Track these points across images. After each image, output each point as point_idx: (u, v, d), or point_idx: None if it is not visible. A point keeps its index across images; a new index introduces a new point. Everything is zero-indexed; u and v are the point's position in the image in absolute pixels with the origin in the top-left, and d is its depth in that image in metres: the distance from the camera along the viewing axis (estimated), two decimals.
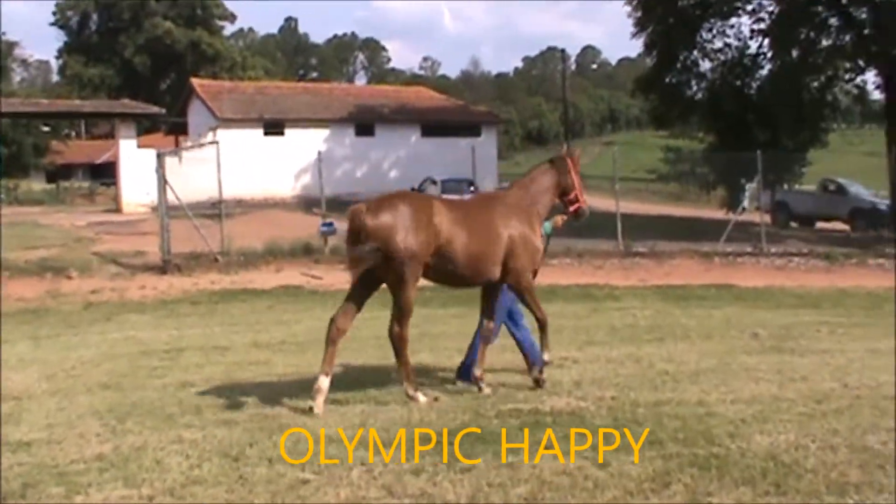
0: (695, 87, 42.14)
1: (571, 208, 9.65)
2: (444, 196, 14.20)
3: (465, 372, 9.73)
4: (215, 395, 9.30)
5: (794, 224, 40.52)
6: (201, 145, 31.39)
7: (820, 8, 36.93)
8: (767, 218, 34.19)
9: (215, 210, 26.03)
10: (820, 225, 40.73)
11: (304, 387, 9.50)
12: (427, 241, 8.37)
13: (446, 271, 8.73)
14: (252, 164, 44.08)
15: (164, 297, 20.62)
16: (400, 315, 8.52)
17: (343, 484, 6.25)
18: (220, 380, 10.32)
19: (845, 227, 39.36)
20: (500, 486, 6.12)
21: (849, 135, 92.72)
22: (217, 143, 26.67)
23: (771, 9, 39.05)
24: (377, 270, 8.42)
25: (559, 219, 10.01)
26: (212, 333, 14.98)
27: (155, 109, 47.20)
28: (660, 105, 43.43)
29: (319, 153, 28.82)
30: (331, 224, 25.50)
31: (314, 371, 10.49)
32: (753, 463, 6.48)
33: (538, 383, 9.26)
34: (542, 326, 9.22)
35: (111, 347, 13.55)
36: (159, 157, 24.92)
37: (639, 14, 40.27)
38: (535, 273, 9.37)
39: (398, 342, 8.59)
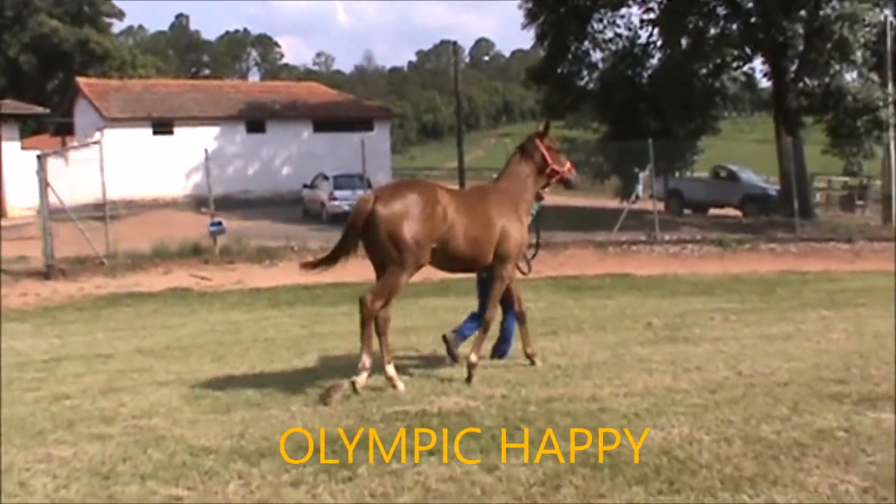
0: (586, 78, 42.36)
1: (554, 180, 10.09)
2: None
3: (499, 350, 10.70)
4: (91, 408, 8.83)
5: (687, 211, 41.05)
6: (85, 145, 30.64)
7: None
8: (661, 206, 34.48)
9: (101, 212, 25.37)
10: (713, 211, 41.40)
11: (184, 394, 9.13)
12: (434, 228, 8.72)
13: (449, 254, 9.04)
14: (141, 163, 43.27)
15: (48, 303, 19.98)
16: (381, 292, 8.69)
17: (218, 499, 5.93)
18: (99, 390, 9.78)
19: (737, 213, 39.99)
20: (384, 496, 5.85)
21: (739, 122, 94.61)
22: (99, 143, 26.01)
23: None
24: (370, 253, 8.87)
25: (539, 192, 10.26)
26: (94, 341, 14.40)
27: (39, 110, 46.11)
28: (552, 95, 43.42)
29: (206, 151, 28.31)
30: (220, 223, 25.02)
31: (196, 377, 10.16)
32: (647, 460, 6.31)
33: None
34: (486, 328, 9.56)
35: None
36: (40, 158, 24.22)
37: (530, 5, 40.35)
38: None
39: (367, 314, 8.64)
